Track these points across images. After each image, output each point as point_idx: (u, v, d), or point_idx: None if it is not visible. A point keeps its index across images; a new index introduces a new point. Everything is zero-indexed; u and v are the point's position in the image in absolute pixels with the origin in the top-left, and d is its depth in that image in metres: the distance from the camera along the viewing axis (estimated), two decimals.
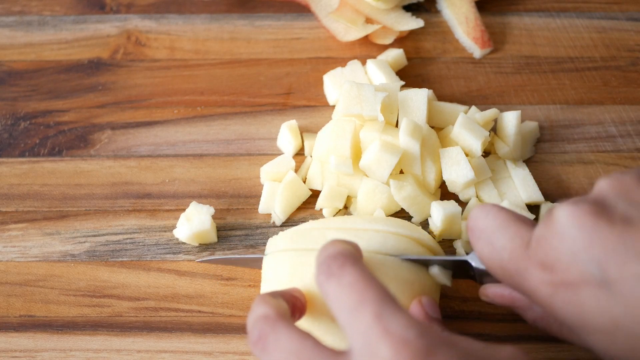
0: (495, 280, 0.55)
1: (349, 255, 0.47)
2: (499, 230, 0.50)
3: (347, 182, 0.65)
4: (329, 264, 0.47)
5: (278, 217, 0.65)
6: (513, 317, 0.61)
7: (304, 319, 0.53)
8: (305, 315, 0.53)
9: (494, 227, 0.51)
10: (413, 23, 0.76)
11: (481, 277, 0.56)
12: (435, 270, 0.57)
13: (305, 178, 0.67)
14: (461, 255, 0.58)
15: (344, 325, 0.45)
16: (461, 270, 0.57)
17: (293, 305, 0.51)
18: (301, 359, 0.45)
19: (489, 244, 0.51)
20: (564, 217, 0.46)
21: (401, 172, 0.66)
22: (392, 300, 0.44)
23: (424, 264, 0.57)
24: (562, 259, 0.46)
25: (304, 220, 0.65)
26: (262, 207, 0.66)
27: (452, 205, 0.63)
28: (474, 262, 0.55)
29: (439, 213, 0.62)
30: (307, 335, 0.46)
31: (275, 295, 0.51)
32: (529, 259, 0.48)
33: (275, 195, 0.66)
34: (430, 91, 0.70)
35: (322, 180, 0.66)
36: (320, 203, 0.65)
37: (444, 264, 0.57)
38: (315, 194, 0.67)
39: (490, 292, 0.55)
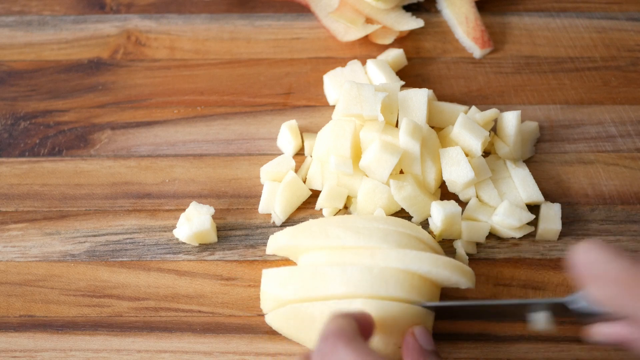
0: (598, 319, 0.54)
1: (341, 334, 0.46)
2: (610, 256, 0.50)
3: (347, 182, 0.65)
4: (321, 347, 0.46)
5: (278, 217, 0.65)
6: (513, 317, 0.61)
7: None
8: None
9: (603, 260, 0.50)
10: (413, 23, 0.76)
11: (582, 317, 0.54)
12: (540, 317, 0.55)
13: (305, 178, 0.67)
14: (560, 298, 0.56)
15: None
16: (558, 312, 0.56)
17: (361, 326, 0.51)
18: None
19: (599, 277, 0.50)
20: None
21: (401, 172, 0.66)
22: None
23: (519, 309, 0.56)
24: None
25: (304, 220, 0.65)
26: (262, 207, 0.66)
27: (452, 205, 0.63)
28: (577, 304, 0.54)
29: (439, 213, 0.62)
30: (368, 352, 0.46)
31: (349, 316, 0.50)
32: None
33: (275, 195, 0.66)
34: (430, 91, 0.70)
35: (322, 180, 0.66)
36: (320, 203, 0.65)
37: (542, 308, 0.56)
38: (315, 194, 0.67)
39: (604, 331, 0.54)
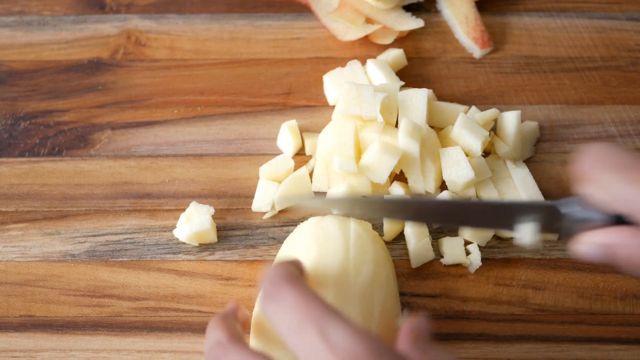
0: (584, 228, 0.53)
1: (287, 276, 0.47)
2: (622, 151, 0.50)
3: (352, 182, 0.65)
4: (268, 289, 0.47)
5: (274, 206, 0.65)
6: (513, 317, 0.61)
7: (260, 344, 0.53)
8: (259, 340, 0.53)
9: (616, 150, 0.51)
10: (413, 23, 0.76)
11: (570, 227, 0.53)
12: (527, 228, 0.54)
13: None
14: (551, 201, 0.55)
15: (291, 347, 0.44)
16: (545, 221, 0.54)
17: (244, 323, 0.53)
18: None
19: (614, 163, 0.50)
20: None
21: (401, 172, 0.66)
22: (335, 315, 0.44)
23: (504, 214, 0.55)
24: None
25: (303, 220, 0.65)
26: (255, 205, 0.66)
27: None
28: (568, 209, 0.53)
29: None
30: (259, 356, 0.46)
31: (227, 317, 0.51)
32: None
33: (274, 191, 0.66)
34: (430, 91, 0.70)
35: (328, 182, 0.66)
36: None
37: (530, 217, 0.54)
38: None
39: (589, 237, 0.52)
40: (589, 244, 0.53)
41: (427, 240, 0.63)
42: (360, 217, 0.60)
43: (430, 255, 0.63)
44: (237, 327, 0.51)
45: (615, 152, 0.51)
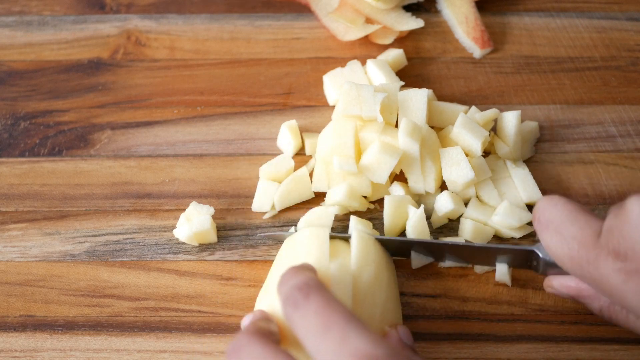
0: (559, 272, 0.56)
1: (313, 284, 0.48)
2: (569, 220, 0.52)
3: (353, 182, 0.65)
4: (294, 295, 0.48)
5: (274, 206, 0.65)
6: (513, 317, 0.61)
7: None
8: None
9: (563, 217, 0.52)
10: (413, 23, 0.75)
11: (545, 268, 0.57)
12: (502, 268, 0.59)
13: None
14: (528, 246, 0.59)
15: (312, 351, 0.46)
16: (523, 260, 0.59)
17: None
18: None
19: (558, 233, 0.52)
20: (636, 208, 0.48)
21: (401, 172, 0.66)
22: (357, 322, 0.45)
23: (485, 254, 0.59)
24: (635, 248, 0.47)
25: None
26: (255, 205, 0.66)
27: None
28: (541, 253, 0.57)
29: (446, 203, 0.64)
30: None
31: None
32: (600, 248, 0.49)
33: (277, 188, 0.66)
34: (430, 91, 0.70)
35: (328, 182, 0.66)
36: (336, 200, 0.64)
37: (508, 256, 0.59)
38: (316, 197, 0.67)
39: (556, 283, 0.57)
40: (557, 289, 0.56)
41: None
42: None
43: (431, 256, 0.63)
44: (271, 325, 0.52)
45: (562, 216, 0.52)
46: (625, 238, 0.48)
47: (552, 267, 0.57)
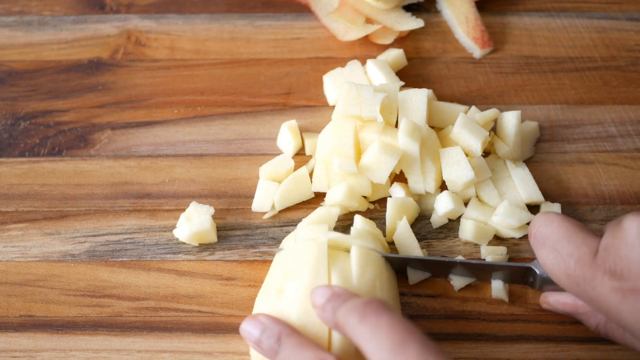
0: (555, 288, 0.57)
1: (384, 304, 0.49)
2: (565, 238, 0.52)
3: (352, 183, 0.65)
4: (363, 308, 0.48)
5: (274, 206, 0.65)
6: (513, 317, 0.61)
7: None
8: None
9: (560, 235, 0.52)
10: (413, 23, 0.75)
11: (542, 284, 0.58)
12: (498, 285, 0.60)
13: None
14: (524, 263, 0.59)
15: None
16: (519, 276, 0.59)
17: None
18: None
19: (554, 250, 0.52)
20: (634, 227, 0.48)
21: (401, 172, 0.66)
22: (434, 346, 0.46)
23: (481, 271, 0.60)
24: (632, 268, 0.48)
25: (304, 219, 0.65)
26: (255, 205, 0.66)
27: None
28: (538, 270, 0.57)
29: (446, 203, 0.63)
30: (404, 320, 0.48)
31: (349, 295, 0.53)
32: (597, 266, 0.50)
33: (277, 188, 0.66)
34: (430, 91, 0.70)
35: (328, 182, 0.66)
36: (335, 200, 0.64)
37: (504, 273, 0.59)
38: (316, 197, 0.67)
39: (553, 300, 0.58)
40: (553, 306, 0.57)
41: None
42: None
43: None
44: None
45: (558, 234, 0.52)
46: (621, 257, 0.49)
47: (549, 284, 0.57)
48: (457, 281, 0.62)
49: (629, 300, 0.48)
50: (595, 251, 0.50)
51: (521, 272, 0.59)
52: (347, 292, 0.52)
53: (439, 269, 0.61)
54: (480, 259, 0.63)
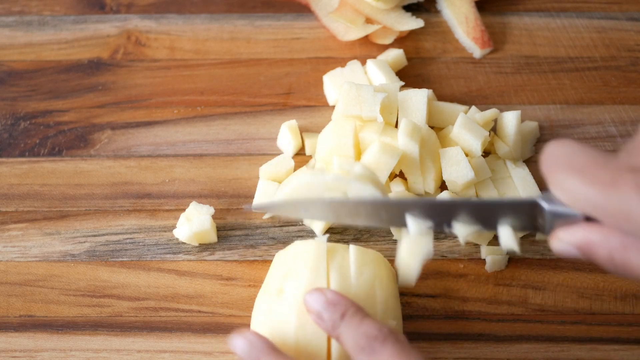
0: (566, 222, 0.52)
1: (390, 333, 0.50)
2: (580, 152, 0.50)
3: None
4: (370, 343, 0.50)
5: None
6: (513, 317, 0.61)
7: None
8: None
9: (573, 151, 0.50)
10: (413, 23, 0.75)
11: (552, 222, 0.52)
12: (506, 231, 0.54)
13: None
14: (531, 197, 0.54)
15: None
16: (527, 220, 0.54)
17: None
18: None
19: (570, 167, 0.49)
20: None
21: (401, 172, 0.66)
22: None
23: (486, 213, 0.55)
24: None
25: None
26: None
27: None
28: (546, 204, 0.52)
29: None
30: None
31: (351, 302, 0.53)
32: (620, 168, 0.48)
33: (277, 188, 0.66)
34: (430, 91, 0.70)
35: None
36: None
37: (510, 217, 0.54)
38: None
39: (563, 234, 0.52)
40: (566, 241, 0.52)
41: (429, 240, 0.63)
42: (315, 219, 0.60)
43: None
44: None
45: (571, 151, 0.50)
46: None
47: (559, 219, 0.52)
48: (461, 230, 0.55)
49: None
50: (614, 157, 0.49)
51: (529, 211, 0.54)
52: (342, 300, 0.52)
53: (441, 215, 0.56)
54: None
